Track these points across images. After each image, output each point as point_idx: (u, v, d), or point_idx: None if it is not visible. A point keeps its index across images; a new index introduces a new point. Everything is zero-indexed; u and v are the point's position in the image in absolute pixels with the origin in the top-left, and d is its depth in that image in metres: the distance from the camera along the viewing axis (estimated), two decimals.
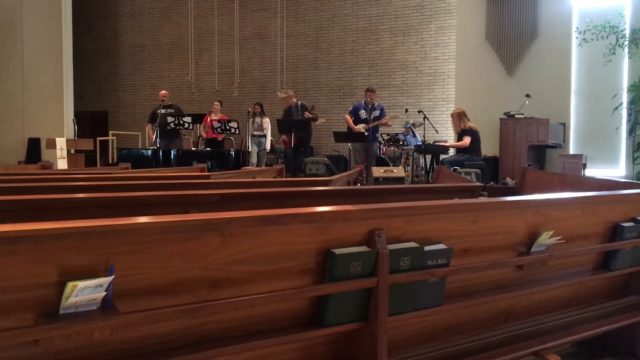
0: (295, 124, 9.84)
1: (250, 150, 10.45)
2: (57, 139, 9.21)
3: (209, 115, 10.82)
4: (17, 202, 2.34)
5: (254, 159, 10.42)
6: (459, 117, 8.34)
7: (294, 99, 10.62)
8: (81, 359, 1.46)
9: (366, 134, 9.05)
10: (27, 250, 1.31)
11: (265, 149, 10.81)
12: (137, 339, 1.53)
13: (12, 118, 13.11)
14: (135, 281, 1.48)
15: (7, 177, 4.04)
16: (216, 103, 11.12)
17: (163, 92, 10.49)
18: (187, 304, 1.54)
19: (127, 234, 1.43)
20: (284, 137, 10.27)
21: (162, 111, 9.90)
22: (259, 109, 10.77)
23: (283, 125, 9.91)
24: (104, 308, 1.42)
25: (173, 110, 10.04)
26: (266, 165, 10.64)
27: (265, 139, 10.79)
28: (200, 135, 11.25)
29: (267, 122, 10.81)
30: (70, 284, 1.35)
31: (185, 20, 14.75)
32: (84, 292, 1.36)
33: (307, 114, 10.18)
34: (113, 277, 1.40)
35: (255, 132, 10.67)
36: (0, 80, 13.03)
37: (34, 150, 12.82)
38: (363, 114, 9.30)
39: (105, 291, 1.40)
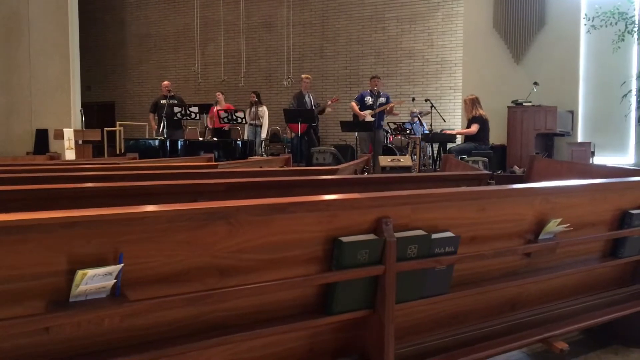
0: (300, 114, 9.81)
1: (247, 139, 10.44)
2: (64, 130, 9.25)
3: (215, 106, 10.81)
4: (26, 192, 2.35)
5: None
6: (472, 103, 8.30)
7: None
8: (91, 346, 1.47)
9: (372, 119, 9.06)
10: (37, 239, 1.32)
11: (263, 139, 10.76)
12: (146, 326, 1.54)
13: (20, 109, 13.16)
14: (144, 269, 1.49)
15: (16, 167, 4.07)
16: (218, 93, 11.13)
17: (166, 82, 10.52)
18: (195, 292, 1.55)
19: (136, 223, 1.44)
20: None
21: (164, 102, 9.94)
22: (255, 97, 10.71)
23: (288, 115, 9.88)
24: (114, 296, 1.43)
25: (176, 101, 10.06)
26: (272, 155, 10.62)
27: (262, 128, 10.74)
28: (207, 126, 11.28)
29: (263, 111, 10.74)
30: (80, 272, 1.36)
31: (191, 10, 14.71)
32: (94, 280, 1.37)
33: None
34: (122, 265, 1.41)
35: (252, 121, 10.62)
36: (7, 71, 13.07)
37: (41, 141, 12.89)
38: (369, 100, 9.37)
39: (115, 279, 1.41)
